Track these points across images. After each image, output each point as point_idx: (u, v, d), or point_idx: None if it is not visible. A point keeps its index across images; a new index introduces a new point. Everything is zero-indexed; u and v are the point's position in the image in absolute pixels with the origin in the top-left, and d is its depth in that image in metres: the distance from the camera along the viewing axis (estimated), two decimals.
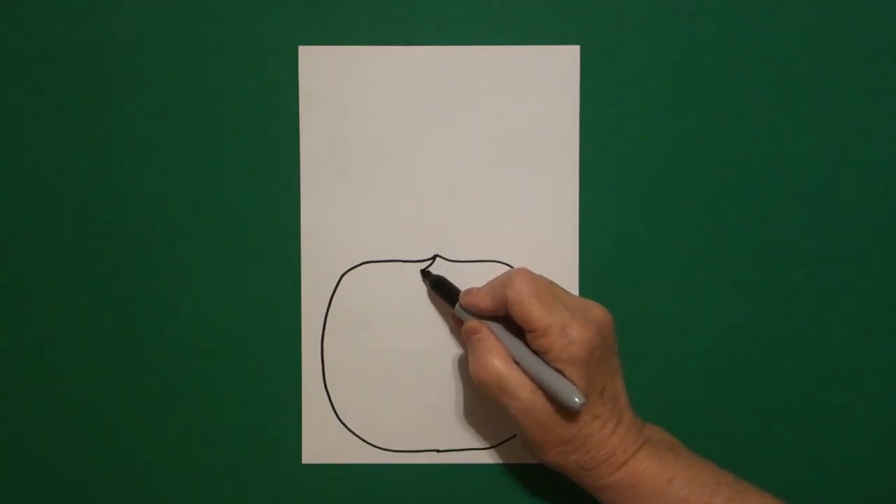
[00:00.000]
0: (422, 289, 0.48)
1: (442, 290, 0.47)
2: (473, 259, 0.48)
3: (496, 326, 0.44)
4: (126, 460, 0.49)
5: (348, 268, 0.48)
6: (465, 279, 0.48)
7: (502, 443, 0.49)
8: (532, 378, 0.42)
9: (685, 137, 0.48)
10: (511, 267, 0.48)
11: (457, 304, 0.46)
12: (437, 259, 0.48)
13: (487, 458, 0.49)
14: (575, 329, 0.41)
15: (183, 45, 0.48)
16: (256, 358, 0.48)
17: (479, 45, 0.48)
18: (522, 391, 0.42)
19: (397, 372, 0.49)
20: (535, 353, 0.42)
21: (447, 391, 0.49)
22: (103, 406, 0.49)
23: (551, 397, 0.41)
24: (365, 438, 0.49)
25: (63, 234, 0.48)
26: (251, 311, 0.48)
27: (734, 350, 0.48)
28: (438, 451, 0.49)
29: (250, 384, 0.48)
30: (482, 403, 0.49)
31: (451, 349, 0.49)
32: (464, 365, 0.48)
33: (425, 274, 0.48)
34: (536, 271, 0.48)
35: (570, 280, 0.48)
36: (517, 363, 0.42)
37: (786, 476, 0.48)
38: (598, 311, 0.43)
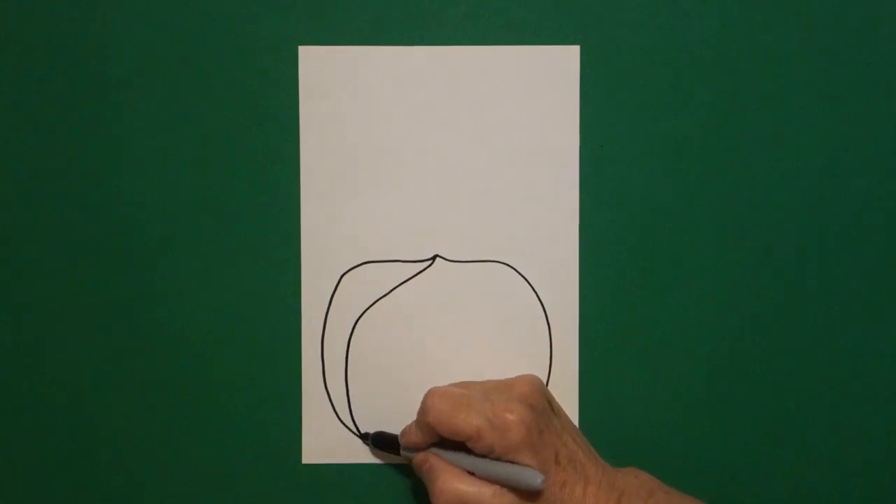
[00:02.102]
0: (422, 289, 0.48)
1: (384, 444, 0.47)
2: (473, 259, 0.48)
3: (439, 451, 0.44)
4: (125, 460, 0.49)
5: (348, 268, 0.48)
6: (465, 279, 0.48)
7: None
8: (490, 480, 0.42)
9: (685, 137, 0.48)
10: (511, 267, 0.48)
11: (401, 449, 0.46)
12: (437, 259, 0.48)
13: None
14: (504, 416, 0.42)
15: (183, 45, 0.48)
16: (256, 358, 0.48)
17: (479, 45, 0.48)
18: (485, 497, 0.42)
19: (398, 372, 0.49)
20: (482, 456, 0.43)
21: None
22: (103, 406, 0.49)
23: (513, 488, 0.42)
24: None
25: (62, 234, 0.48)
26: (251, 312, 0.48)
27: (734, 350, 0.48)
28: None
29: (250, 384, 0.48)
30: None
31: (451, 349, 0.48)
32: (464, 365, 0.48)
33: (364, 436, 0.48)
34: (536, 271, 0.48)
35: (570, 280, 0.48)
36: (473, 473, 0.43)
37: (786, 476, 0.48)
38: (521, 386, 0.44)
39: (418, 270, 0.48)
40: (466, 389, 0.44)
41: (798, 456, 0.49)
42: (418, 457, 0.45)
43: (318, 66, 0.48)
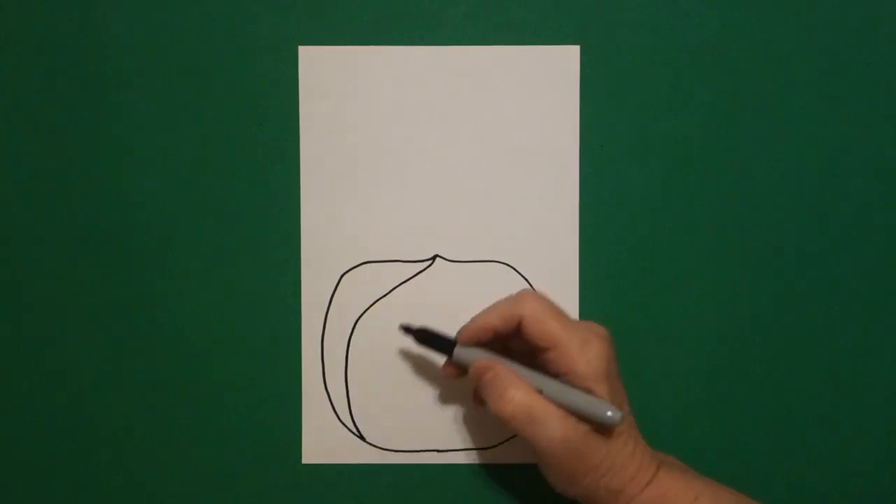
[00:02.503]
0: (422, 289, 0.48)
1: (431, 342, 0.45)
2: (473, 259, 0.48)
3: (504, 360, 0.42)
4: (126, 460, 0.49)
5: (348, 268, 0.48)
6: (465, 279, 0.48)
7: (502, 443, 0.49)
8: (558, 403, 0.41)
9: (685, 137, 0.48)
10: (511, 267, 0.48)
11: (455, 348, 0.44)
12: (437, 259, 0.48)
13: (487, 458, 0.49)
14: (595, 343, 0.41)
15: (183, 45, 0.48)
16: (256, 358, 0.48)
17: (479, 45, 0.48)
18: (553, 419, 0.40)
19: (397, 372, 0.49)
20: (554, 377, 0.41)
21: (447, 391, 0.49)
22: (103, 406, 0.49)
23: (584, 418, 0.40)
24: (365, 438, 0.49)
25: (62, 233, 0.48)
26: (251, 312, 0.48)
27: (735, 350, 0.48)
28: (438, 451, 0.49)
29: (250, 384, 0.48)
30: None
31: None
32: None
33: (406, 329, 0.46)
34: (536, 271, 0.48)
35: (570, 280, 0.48)
36: (539, 391, 0.41)
37: (786, 476, 0.49)
38: (601, 329, 0.43)
39: (418, 270, 0.48)
40: (556, 304, 0.43)
41: (798, 456, 0.49)
42: (483, 360, 0.43)
43: (318, 66, 0.48)
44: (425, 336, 0.45)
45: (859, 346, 0.48)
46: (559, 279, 0.48)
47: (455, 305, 0.48)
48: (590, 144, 0.48)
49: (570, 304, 0.48)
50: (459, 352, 0.44)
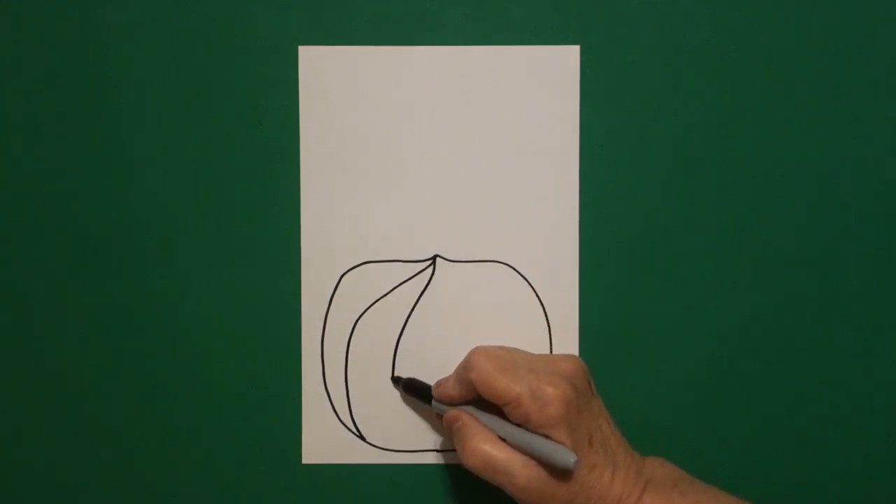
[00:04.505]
0: (422, 289, 0.48)
1: (415, 391, 0.47)
2: (473, 259, 0.48)
3: (474, 410, 0.44)
4: (126, 460, 0.49)
5: (348, 268, 0.48)
6: (465, 279, 0.48)
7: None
8: (521, 450, 0.42)
9: (685, 137, 0.48)
10: (511, 267, 0.48)
11: (432, 400, 0.46)
12: (438, 259, 0.48)
13: None
14: (546, 389, 0.41)
15: (183, 46, 0.48)
16: (256, 358, 0.48)
17: (479, 45, 0.48)
18: (515, 466, 0.42)
19: (397, 372, 0.49)
20: (517, 424, 0.42)
21: None
22: (103, 406, 0.49)
23: (544, 463, 0.41)
24: (365, 438, 0.49)
25: (63, 234, 0.48)
26: (251, 311, 0.48)
27: (735, 350, 0.48)
28: (438, 450, 0.49)
29: (250, 384, 0.48)
30: None
31: (451, 349, 0.48)
32: None
33: (395, 380, 0.48)
34: (536, 271, 0.48)
35: (570, 280, 0.48)
36: (503, 439, 0.43)
37: (786, 475, 0.48)
38: (565, 363, 0.43)
39: (418, 270, 0.48)
40: (511, 354, 0.44)
41: (798, 455, 0.49)
42: (451, 412, 0.45)
43: (318, 66, 0.48)
44: (410, 386, 0.48)
45: (859, 346, 0.48)
46: (559, 279, 0.48)
47: (455, 305, 0.48)
48: (590, 144, 0.48)
49: (570, 304, 0.48)
50: (435, 403, 0.46)
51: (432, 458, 0.49)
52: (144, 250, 0.48)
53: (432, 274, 0.48)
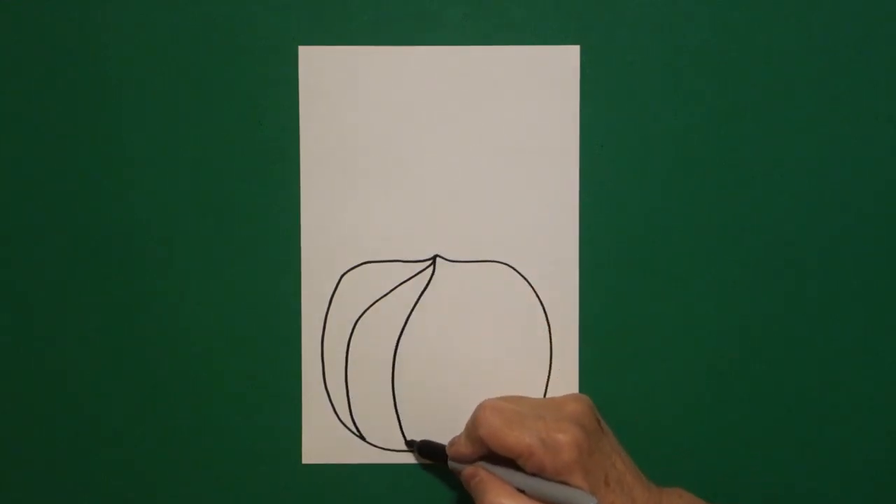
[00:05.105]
0: (422, 289, 0.48)
1: (430, 454, 0.48)
2: (473, 259, 0.48)
3: (489, 465, 0.44)
4: (126, 460, 0.49)
5: (348, 268, 0.48)
6: (465, 279, 0.48)
7: None
8: (540, 499, 0.42)
9: (685, 137, 0.48)
10: (511, 267, 0.48)
11: (448, 461, 0.46)
12: (437, 259, 0.48)
13: None
14: (556, 437, 0.42)
15: (183, 46, 0.48)
16: (256, 358, 0.48)
17: (479, 45, 0.48)
18: None
19: (397, 372, 0.49)
20: (533, 474, 0.42)
21: (447, 391, 0.49)
22: (103, 406, 0.49)
23: None
24: (365, 438, 0.49)
25: (63, 234, 0.48)
26: (251, 311, 0.48)
27: (735, 350, 0.48)
28: None
29: (250, 384, 0.48)
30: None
31: (451, 349, 0.48)
32: (465, 365, 0.48)
33: (410, 444, 0.48)
34: (536, 271, 0.48)
35: (570, 280, 0.48)
36: (522, 491, 0.43)
37: (786, 476, 0.48)
38: (571, 405, 0.44)
39: (418, 270, 0.48)
40: (517, 405, 0.44)
41: (798, 456, 0.49)
42: (468, 469, 0.45)
43: (318, 66, 0.48)
44: (425, 449, 0.48)
45: (859, 346, 0.48)
46: (559, 279, 0.48)
47: (455, 305, 0.48)
48: (590, 144, 0.48)
49: (569, 304, 0.48)
50: (451, 463, 0.46)
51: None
52: (144, 250, 0.48)
53: (432, 274, 0.48)
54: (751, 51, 0.48)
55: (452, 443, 0.46)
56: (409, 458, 0.49)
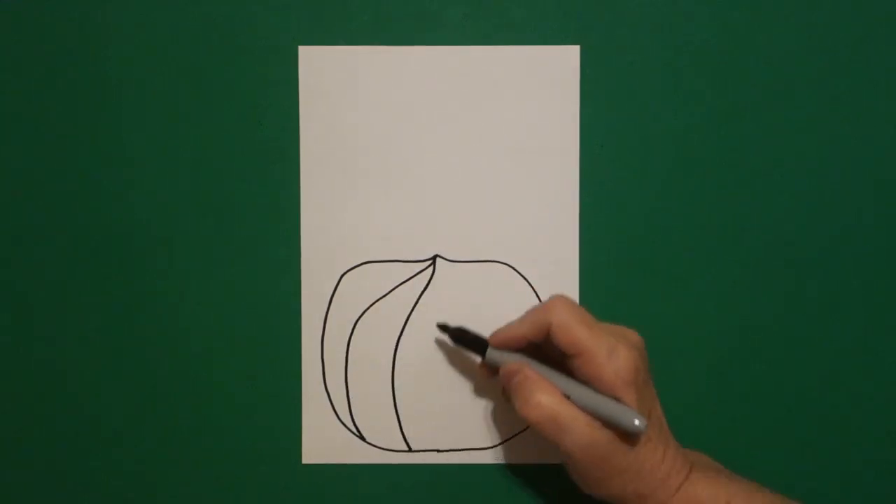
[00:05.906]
0: (422, 289, 0.48)
1: (466, 342, 0.45)
2: (473, 259, 0.48)
3: (534, 363, 0.43)
4: (126, 460, 0.49)
5: (348, 268, 0.48)
6: (465, 279, 0.48)
7: (502, 443, 0.49)
8: (585, 409, 0.41)
9: (685, 137, 0.48)
10: (511, 267, 0.48)
11: (488, 350, 0.44)
12: (438, 259, 0.48)
13: (488, 458, 0.49)
14: (622, 351, 0.41)
15: (183, 46, 0.48)
16: (256, 358, 0.48)
17: (479, 45, 0.48)
18: (579, 425, 0.40)
19: (397, 372, 0.49)
20: (583, 383, 0.41)
21: (447, 391, 0.49)
22: (103, 406, 0.49)
23: (610, 425, 0.40)
24: (365, 438, 0.49)
25: (63, 233, 0.48)
26: (251, 312, 0.48)
27: (735, 349, 0.48)
28: (438, 451, 0.49)
29: (250, 384, 0.48)
30: (482, 403, 0.49)
31: (450, 349, 0.48)
32: (464, 365, 0.48)
33: (443, 327, 0.46)
34: (536, 271, 0.48)
35: (570, 280, 0.48)
36: (567, 397, 0.41)
37: (786, 475, 0.48)
38: (633, 335, 0.43)
39: (418, 270, 0.48)
40: (587, 312, 0.43)
41: (798, 456, 0.49)
42: (511, 364, 0.43)
43: (318, 66, 0.48)
44: (461, 336, 0.46)
45: (859, 346, 0.48)
46: (559, 279, 0.48)
47: (455, 305, 0.48)
48: (590, 144, 0.48)
49: None
50: (492, 353, 0.44)
51: (432, 458, 0.49)
52: (144, 250, 0.48)
53: (432, 274, 0.48)
54: (751, 51, 0.48)
55: (499, 330, 0.44)
56: (409, 459, 0.49)
